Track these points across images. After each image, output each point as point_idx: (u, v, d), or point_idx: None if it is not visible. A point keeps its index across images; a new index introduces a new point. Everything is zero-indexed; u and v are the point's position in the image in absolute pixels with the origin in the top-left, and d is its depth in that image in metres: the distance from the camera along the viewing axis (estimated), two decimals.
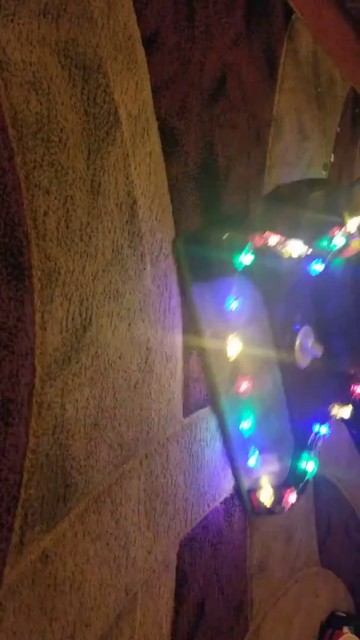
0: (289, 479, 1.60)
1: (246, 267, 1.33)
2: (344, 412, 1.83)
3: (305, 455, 1.64)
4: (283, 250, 1.40)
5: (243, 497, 1.53)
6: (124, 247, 1.13)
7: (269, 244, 1.36)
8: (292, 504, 1.58)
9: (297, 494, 1.59)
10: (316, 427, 1.71)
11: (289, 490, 1.56)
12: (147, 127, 1.19)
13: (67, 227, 1.01)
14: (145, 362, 1.20)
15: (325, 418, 1.75)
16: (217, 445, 1.44)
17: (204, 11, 1.37)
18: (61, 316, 1.00)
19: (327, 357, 1.76)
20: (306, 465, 1.62)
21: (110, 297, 1.10)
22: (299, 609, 1.92)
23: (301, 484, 1.62)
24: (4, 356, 0.90)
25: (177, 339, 1.31)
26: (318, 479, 2.03)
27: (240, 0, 1.51)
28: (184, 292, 1.29)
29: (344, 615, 2.13)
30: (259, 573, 1.68)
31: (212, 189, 1.41)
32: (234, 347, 1.39)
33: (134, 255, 1.16)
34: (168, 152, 1.26)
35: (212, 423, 1.42)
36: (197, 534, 1.40)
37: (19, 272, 0.92)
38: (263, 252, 1.35)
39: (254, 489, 1.52)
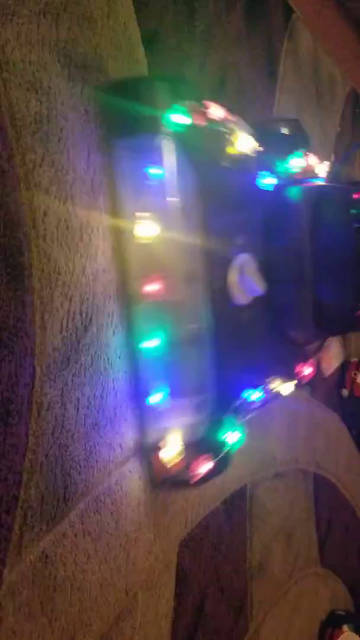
0: (204, 444, 1.19)
1: (179, 132, 1.04)
2: (285, 388, 1.42)
3: (228, 421, 1.22)
4: (228, 136, 1.14)
5: (143, 456, 1.16)
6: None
7: (210, 117, 1.08)
8: (203, 476, 1.18)
9: (213, 465, 1.19)
10: (246, 393, 1.29)
11: (203, 456, 1.16)
12: None
13: (67, 227, 1.01)
14: None
15: (259, 385, 1.33)
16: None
17: (204, 11, 1.37)
18: (61, 316, 1.00)
19: (269, 311, 1.33)
20: (228, 435, 1.21)
21: (110, 297, 1.10)
22: (299, 609, 1.92)
23: (219, 456, 1.21)
24: (4, 356, 0.90)
25: None
26: (318, 478, 2.03)
27: (240, 0, 1.51)
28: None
29: (344, 614, 2.13)
30: (259, 573, 1.68)
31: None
32: (146, 228, 1.04)
33: None
34: None
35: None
36: (197, 534, 1.40)
37: (19, 272, 0.92)
38: (202, 133, 1.07)
39: (156, 447, 1.15)
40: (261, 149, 1.21)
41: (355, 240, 1.32)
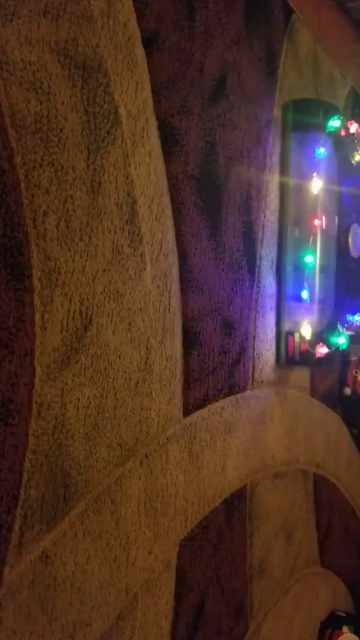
0: (323, 337, 1.82)
1: (332, 131, 1.82)
2: None
3: (338, 329, 1.87)
4: (357, 144, 1.88)
5: (280, 340, 1.71)
6: (124, 247, 1.13)
7: (350, 131, 1.86)
8: (323, 355, 1.77)
9: (326, 353, 1.78)
10: (352, 317, 2.00)
11: (321, 344, 1.77)
12: (147, 126, 1.19)
13: (67, 227, 1.01)
14: (145, 362, 1.20)
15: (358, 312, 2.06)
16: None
17: (204, 11, 1.37)
18: (61, 316, 1.00)
19: None
20: (338, 338, 1.86)
21: (110, 297, 1.10)
22: (299, 609, 1.92)
23: (333, 348, 1.83)
24: (4, 356, 0.90)
25: (177, 339, 1.31)
26: (318, 478, 2.03)
27: (240, 0, 1.51)
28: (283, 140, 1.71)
29: (344, 615, 2.13)
30: (259, 573, 1.68)
31: (212, 188, 1.41)
32: (316, 184, 1.77)
33: (134, 255, 1.16)
34: (168, 151, 1.26)
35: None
36: (197, 534, 1.40)
37: (19, 272, 0.92)
38: (343, 142, 1.87)
39: (292, 332, 1.74)
40: None
41: None
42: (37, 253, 0.95)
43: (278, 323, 1.73)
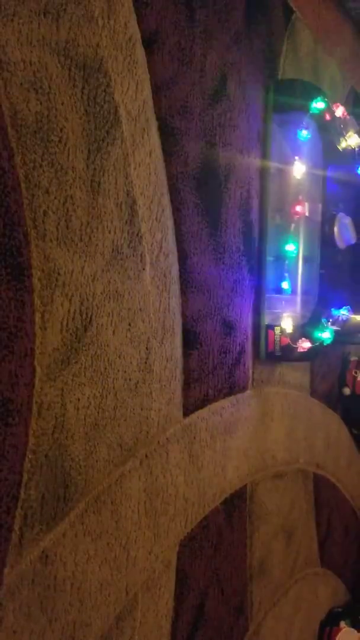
0: (305, 331, 1.72)
1: (316, 113, 1.70)
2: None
3: (322, 323, 1.77)
4: (342, 129, 1.77)
5: (260, 334, 1.62)
6: (124, 247, 1.13)
7: (335, 114, 1.75)
8: (304, 350, 1.66)
9: (308, 349, 1.67)
10: (335, 308, 1.89)
11: (303, 339, 1.67)
12: (147, 126, 1.19)
13: (67, 227, 1.01)
14: (145, 362, 1.20)
15: (344, 307, 1.92)
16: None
17: (204, 11, 1.37)
18: (61, 316, 1.00)
19: (357, 263, 2.01)
20: (322, 333, 1.76)
21: (110, 297, 1.10)
22: (299, 609, 1.92)
23: (314, 344, 1.72)
24: (4, 356, 0.90)
25: (177, 339, 1.31)
26: (318, 478, 2.03)
27: (240, 0, 1.51)
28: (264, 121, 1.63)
29: (340, 610, 2.14)
30: (259, 573, 1.68)
31: (212, 188, 1.41)
32: (298, 168, 1.66)
33: (133, 255, 1.16)
34: (168, 152, 1.26)
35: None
36: (197, 534, 1.40)
37: (19, 272, 0.92)
38: (328, 126, 1.76)
39: (272, 326, 1.64)
40: None
41: None
42: (37, 253, 0.95)
43: (258, 316, 1.64)
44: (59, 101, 0.98)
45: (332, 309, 1.85)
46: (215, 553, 1.48)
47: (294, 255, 1.66)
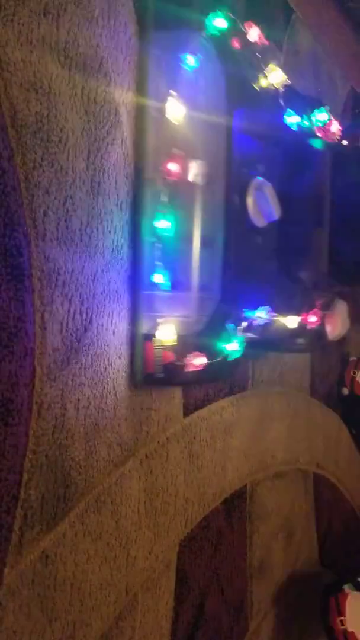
0: (200, 342, 1.17)
1: (217, 35, 1.12)
2: (290, 321, 1.37)
3: (229, 329, 1.21)
4: (260, 62, 1.23)
5: (136, 347, 1.13)
6: (124, 247, 1.13)
7: (248, 37, 1.19)
8: (196, 367, 1.14)
9: (205, 366, 1.16)
10: (250, 310, 1.30)
11: (196, 352, 1.14)
12: None
13: (67, 227, 1.01)
14: None
15: (262, 307, 1.32)
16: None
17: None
18: (61, 316, 1.00)
19: (283, 246, 1.35)
20: (227, 344, 1.19)
21: (110, 297, 1.10)
22: (300, 609, 1.92)
23: (214, 359, 1.18)
24: (4, 356, 0.90)
25: None
26: (318, 478, 2.03)
27: (240, 0, 1.50)
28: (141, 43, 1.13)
29: (333, 581, 2.02)
30: (259, 573, 1.68)
31: None
32: (174, 108, 1.05)
33: None
34: None
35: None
36: (197, 534, 1.40)
37: (19, 272, 0.92)
38: (237, 56, 1.19)
39: (151, 336, 1.12)
40: (289, 82, 1.26)
41: None
42: (37, 253, 0.95)
43: (132, 321, 1.14)
44: (59, 101, 0.98)
45: (245, 310, 1.28)
46: (216, 553, 1.48)
47: (169, 235, 1.10)
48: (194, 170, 1.12)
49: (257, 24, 1.24)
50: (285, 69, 1.74)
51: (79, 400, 1.05)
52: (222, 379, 1.30)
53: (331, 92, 2.06)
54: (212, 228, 1.18)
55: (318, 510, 2.04)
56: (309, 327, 1.43)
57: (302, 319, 1.41)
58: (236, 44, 1.20)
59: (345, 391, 2.18)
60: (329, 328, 1.51)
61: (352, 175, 1.42)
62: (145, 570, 1.22)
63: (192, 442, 1.36)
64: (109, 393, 1.12)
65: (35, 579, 0.97)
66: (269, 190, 1.31)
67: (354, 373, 2.18)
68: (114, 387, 1.12)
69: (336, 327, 1.53)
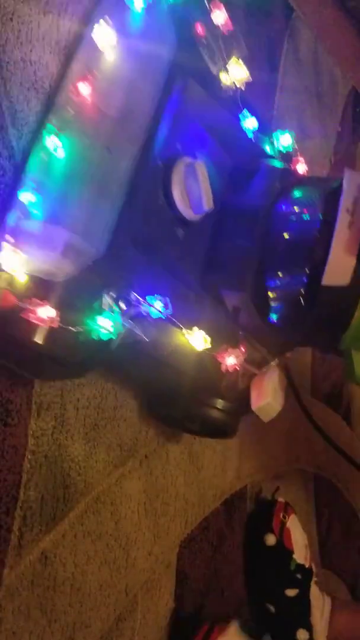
0: (62, 298, 0.82)
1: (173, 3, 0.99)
2: (195, 339, 0.94)
3: (105, 302, 0.87)
4: (222, 52, 1.03)
5: None
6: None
7: (212, 17, 1.01)
8: (41, 322, 0.79)
9: (59, 324, 0.81)
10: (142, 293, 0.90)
11: (49, 305, 0.80)
12: None
13: None
14: None
15: (159, 297, 0.91)
16: None
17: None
18: None
19: (210, 256, 1.09)
20: (103, 320, 0.85)
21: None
22: None
23: (72, 327, 0.83)
24: None
25: None
26: (318, 478, 2.03)
27: (240, 0, 1.50)
28: None
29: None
30: None
31: None
32: (104, 33, 0.90)
33: None
34: None
35: None
36: (197, 535, 1.39)
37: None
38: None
39: None
40: (251, 79, 1.05)
41: (316, 237, 1.01)
42: None
43: None
44: None
45: (135, 292, 0.89)
46: (216, 554, 1.47)
47: (57, 158, 0.84)
48: (108, 100, 0.89)
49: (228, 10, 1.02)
50: (286, 68, 1.74)
51: (78, 400, 1.04)
52: (76, 362, 0.90)
53: (332, 92, 2.05)
54: (117, 178, 0.90)
55: (318, 510, 2.04)
56: (223, 367, 1.01)
57: (217, 353, 1.00)
58: (199, 29, 1.03)
59: (272, 540, 1.51)
60: (254, 394, 1.18)
61: (306, 203, 1.10)
62: (145, 571, 1.22)
63: (192, 442, 1.35)
64: (109, 393, 1.11)
65: (35, 580, 0.96)
66: (202, 174, 1.02)
67: (284, 518, 1.53)
68: (113, 387, 1.12)
69: (262, 394, 1.19)
